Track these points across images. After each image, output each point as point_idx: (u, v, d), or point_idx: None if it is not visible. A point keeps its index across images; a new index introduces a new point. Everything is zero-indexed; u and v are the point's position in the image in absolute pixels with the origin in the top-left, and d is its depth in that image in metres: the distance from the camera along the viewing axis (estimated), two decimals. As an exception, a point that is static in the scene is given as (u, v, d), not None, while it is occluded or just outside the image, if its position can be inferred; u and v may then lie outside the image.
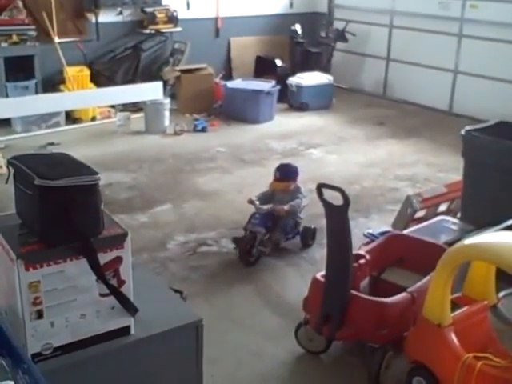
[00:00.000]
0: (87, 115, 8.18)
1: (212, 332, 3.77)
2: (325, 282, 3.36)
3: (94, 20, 8.74)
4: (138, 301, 1.91)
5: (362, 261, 3.66)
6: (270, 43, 10.35)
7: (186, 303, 2.11)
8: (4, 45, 7.70)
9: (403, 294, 3.30)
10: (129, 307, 1.83)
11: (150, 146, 7.50)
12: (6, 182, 1.84)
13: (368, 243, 4.23)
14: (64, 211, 1.68)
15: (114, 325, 1.85)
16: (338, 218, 3.19)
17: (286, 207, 4.67)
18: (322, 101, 9.29)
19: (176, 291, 3.91)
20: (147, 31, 9.14)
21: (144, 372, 1.92)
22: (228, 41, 10.18)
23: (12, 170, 1.78)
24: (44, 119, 7.76)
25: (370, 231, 4.60)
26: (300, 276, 4.48)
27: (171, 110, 8.31)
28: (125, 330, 1.88)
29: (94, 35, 8.77)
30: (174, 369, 1.98)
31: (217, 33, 10.04)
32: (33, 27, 7.92)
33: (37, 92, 8.00)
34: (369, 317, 3.27)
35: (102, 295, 1.79)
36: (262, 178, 6.47)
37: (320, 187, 3.22)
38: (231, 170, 6.75)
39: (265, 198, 4.83)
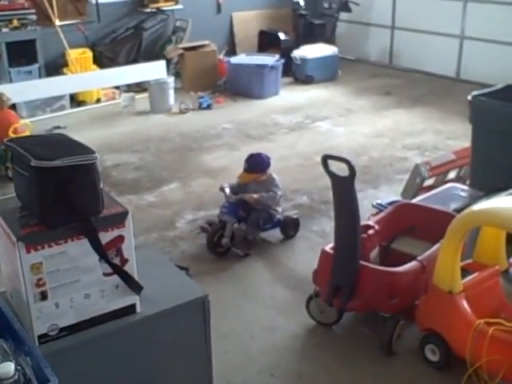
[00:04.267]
0: (92, 97, 8.16)
1: (224, 308, 3.82)
2: (334, 253, 3.34)
3: (94, 1, 8.68)
4: (144, 279, 1.91)
5: (370, 231, 3.65)
6: (273, 17, 10.23)
7: (192, 280, 2.09)
8: (5, 30, 7.67)
9: (413, 263, 3.28)
10: (133, 285, 1.82)
11: (156, 125, 7.47)
12: (5, 166, 1.83)
13: (377, 214, 4.20)
14: (62, 192, 1.67)
15: (119, 304, 1.85)
16: (344, 189, 3.16)
17: (255, 195, 4.42)
18: (327, 73, 9.21)
19: (182, 268, 3.94)
20: (148, 10, 9.07)
21: (152, 349, 1.92)
22: (230, 16, 10.07)
23: (9, 153, 1.77)
24: (49, 103, 7.75)
25: (379, 201, 4.56)
26: (310, 249, 4.47)
27: (176, 89, 8.27)
28: (131, 309, 1.88)
29: (95, 16, 8.71)
30: (183, 345, 1.98)
31: (218, 8, 9.94)
32: (33, 11, 7.88)
33: (40, 76, 7.98)
34: (379, 287, 3.25)
35: (105, 274, 1.79)
36: (270, 153, 6.39)
37: (325, 159, 3.18)
38: (238, 146, 6.72)
39: (239, 187, 4.58)
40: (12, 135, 5.51)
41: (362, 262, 3.28)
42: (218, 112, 7.93)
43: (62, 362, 1.75)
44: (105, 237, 1.75)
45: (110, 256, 1.76)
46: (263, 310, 3.82)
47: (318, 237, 4.65)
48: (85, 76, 8.01)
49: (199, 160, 6.34)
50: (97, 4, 8.68)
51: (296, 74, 9.24)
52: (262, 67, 8.36)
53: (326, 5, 10.15)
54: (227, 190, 4.51)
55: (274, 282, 4.15)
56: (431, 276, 3.08)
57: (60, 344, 1.76)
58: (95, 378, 1.85)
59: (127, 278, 1.80)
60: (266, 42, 9.89)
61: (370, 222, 3.76)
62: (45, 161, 1.64)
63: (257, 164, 4.57)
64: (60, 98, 7.85)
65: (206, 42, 8.94)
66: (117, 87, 8.43)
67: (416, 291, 3.24)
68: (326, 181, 3.32)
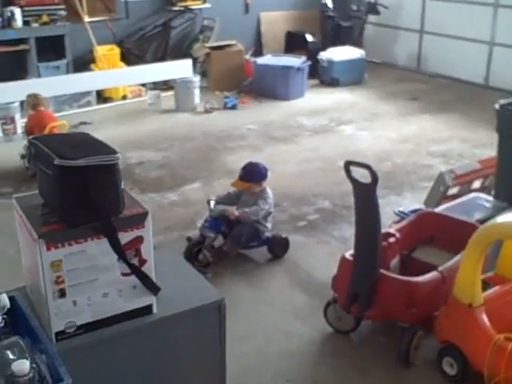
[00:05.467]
0: (118, 94, 8.22)
1: (241, 311, 3.83)
2: (353, 260, 3.32)
3: (123, -2, 8.75)
4: (162, 280, 1.92)
5: (391, 239, 3.62)
6: (301, 18, 10.20)
7: (209, 282, 2.09)
8: (35, 25, 7.75)
9: (433, 273, 3.25)
10: (150, 286, 1.83)
11: (181, 124, 7.50)
12: (28, 162, 1.85)
13: (399, 221, 4.17)
14: (84, 191, 1.68)
15: (136, 304, 1.86)
16: (366, 195, 3.14)
17: (236, 212, 4.22)
18: (353, 76, 9.16)
19: (200, 270, 3.93)
20: (176, 8, 9.10)
21: (167, 350, 1.93)
22: (258, 16, 10.06)
23: (33, 151, 1.79)
24: (75, 99, 7.82)
25: (401, 209, 4.53)
26: (330, 254, 4.44)
27: (201, 88, 8.29)
28: (147, 309, 1.89)
29: (124, 13, 8.77)
30: (198, 347, 1.98)
31: (246, 8, 9.93)
32: (62, 7, 7.95)
33: (68, 72, 8.06)
34: (398, 296, 3.22)
35: (123, 274, 1.80)
36: (293, 155, 6.46)
37: (348, 165, 3.16)
38: (262, 147, 6.72)
39: (230, 198, 4.40)
40: (49, 134, 5.62)
41: (381, 271, 3.25)
42: (242, 112, 7.93)
43: (79, 360, 1.78)
44: (124, 237, 1.77)
45: (128, 256, 1.77)
46: (281, 315, 3.82)
47: (339, 242, 4.62)
48: (112, 72, 8.07)
49: (222, 160, 6.35)
50: (126, 1, 8.73)
51: (322, 76, 9.20)
52: (287, 68, 8.34)
53: (354, 7, 10.09)
54: (212, 203, 4.30)
55: (293, 286, 4.14)
56: (452, 287, 3.05)
57: (77, 341, 1.79)
58: (110, 377, 1.87)
59: (145, 279, 1.81)
60: (293, 43, 9.86)
61: (391, 230, 3.73)
62: (68, 160, 1.66)
63: (252, 173, 4.34)
64: (87, 93, 7.92)
65: (233, 42, 8.95)
66: (143, 84, 8.48)
67: (435, 302, 3.21)
68: (349, 186, 3.30)
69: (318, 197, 5.43)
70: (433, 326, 3.20)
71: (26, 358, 1.46)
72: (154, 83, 8.49)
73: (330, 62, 9.05)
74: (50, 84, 7.53)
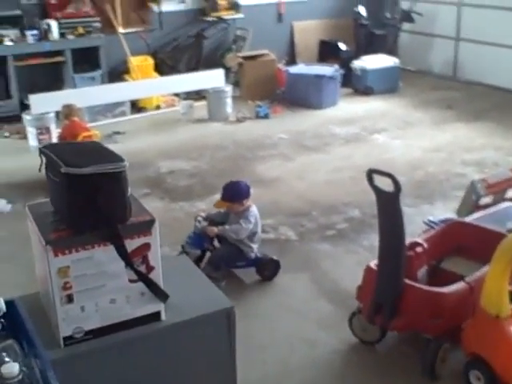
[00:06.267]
0: (151, 104, 8.30)
1: (266, 319, 3.81)
2: (377, 270, 3.27)
3: (156, 9, 8.84)
4: (172, 287, 1.92)
5: (418, 249, 3.54)
6: (334, 26, 10.16)
7: (220, 290, 2.08)
8: (71, 37, 7.91)
9: (460, 284, 3.18)
10: (158, 293, 1.84)
11: (213, 133, 7.53)
12: (39, 171, 1.88)
13: (428, 231, 4.09)
14: (90, 198, 1.70)
15: (144, 310, 1.86)
16: (389, 205, 3.09)
17: (215, 229, 4.06)
18: (387, 84, 9.07)
19: (212, 278, 3.89)
20: (209, 19, 9.16)
21: (175, 358, 1.93)
22: (291, 25, 10.07)
23: (44, 159, 1.81)
24: (109, 109, 7.93)
25: (431, 218, 4.46)
26: (358, 263, 4.34)
27: (234, 97, 8.32)
28: (156, 316, 1.90)
29: (157, 24, 8.87)
30: (207, 355, 1.97)
31: (279, 18, 9.95)
32: (97, 19, 8.10)
33: (103, 82, 8.19)
34: (423, 307, 3.16)
35: (131, 281, 1.81)
36: (324, 164, 6.42)
37: (370, 173, 3.12)
38: (293, 156, 6.70)
39: (220, 216, 4.25)
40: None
41: (405, 280, 3.19)
42: (274, 121, 7.93)
43: (87, 365, 1.80)
44: (131, 244, 1.78)
45: (135, 263, 1.78)
46: (305, 324, 3.78)
47: (367, 252, 4.55)
48: (145, 83, 8.16)
49: (252, 169, 6.35)
50: (160, 12, 8.84)
51: (356, 84, 9.14)
52: (320, 77, 8.31)
53: (388, 15, 10.00)
54: (199, 219, 4.18)
55: (319, 295, 4.09)
56: (479, 298, 2.97)
57: (85, 347, 1.80)
58: (118, 383, 1.87)
59: (152, 286, 1.82)
60: (326, 52, 9.82)
61: (419, 240, 3.66)
62: (75, 168, 1.67)
63: (232, 193, 4.17)
64: (121, 104, 8.02)
65: (266, 52, 8.96)
66: (176, 94, 8.56)
67: (462, 313, 3.13)
68: (372, 195, 3.26)
69: (347, 206, 5.38)
70: (459, 337, 3.12)
71: (18, 362, 1.47)
72: (188, 93, 8.56)
73: (364, 71, 8.98)
74: (85, 94, 7.65)
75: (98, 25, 8.05)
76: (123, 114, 8.05)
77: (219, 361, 2.00)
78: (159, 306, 1.88)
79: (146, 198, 5.65)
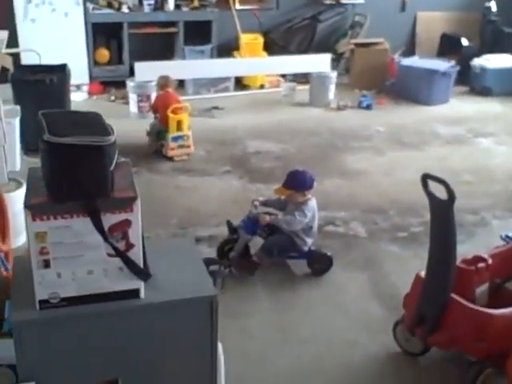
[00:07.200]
0: (255, 83, 8.31)
1: (311, 313, 3.71)
2: (424, 280, 3.07)
3: (275, -11, 8.81)
4: (164, 268, 1.91)
5: (481, 264, 3.28)
6: (459, 20, 9.61)
7: (210, 277, 2.01)
8: (185, 9, 8.06)
9: (513, 308, 2.90)
10: (136, 271, 1.81)
11: (309, 118, 7.41)
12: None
13: (499, 246, 3.78)
14: (69, 169, 1.70)
15: (122, 286, 1.85)
16: (441, 213, 2.88)
17: (267, 218, 3.98)
18: (508, 86, 8.45)
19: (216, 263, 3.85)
20: (327, 2, 8.99)
21: (151, 337, 1.90)
22: (414, 15, 9.65)
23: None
24: (214, 83, 8.03)
25: (509, 234, 4.12)
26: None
27: (340, 85, 8.15)
28: (134, 293, 1.87)
29: (274, 4, 8.82)
30: (185, 342, 1.93)
31: (403, 6, 9.56)
32: (214, -7, 8.19)
33: (211, 57, 8.30)
34: (467, 326, 2.92)
35: (109, 255, 1.80)
36: (415, 163, 6.11)
37: (425, 178, 2.92)
38: (385, 150, 6.45)
39: (279, 203, 4.15)
40: (170, 114, 5.83)
41: (452, 295, 2.97)
42: (376, 113, 7.66)
43: (61, 330, 1.81)
44: (111, 218, 1.76)
45: (115, 238, 1.76)
46: (350, 323, 3.63)
47: (435, 259, 4.29)
48: (253, 61, 8.17)
49: (340, 159, 6.18)
50: (278, -8, 8.80)
51: (473, 83, 8.63)
52: (432, 72, 7.91)
53: (520, 12, 9.33)
54: (256, 203, 4.08)
55: (373, 297, 3.92)
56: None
57: (60, 312, 1.81)
58: (89, 353, 1.87)
59: (129, 262, 1.79)
60: (447, 46, 9.34)
61: (484, 254, 3.39)
62: (56, 136, 1.68)
63: (295, 180, 4.02)
64: (226, 79, 8.10)
65: (380, 40, 8.66)
66: (283, 76, 8.50)
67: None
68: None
69: (427, 209, 5.03)
70: (505, 364, 2.86)
71: None
72: (295, 75, 8.47)
73: (483, 69, 8.45)
74: (193, 67, 7.82)
75: (213, -1, 8.15)
76: (226, 89, 8.12)
77: (197, 348, 1.94)
78: (138, 284, 1.86)
79: (224, 176, 5.69)
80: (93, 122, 1.82)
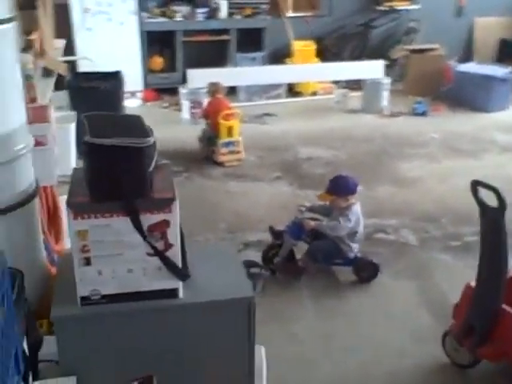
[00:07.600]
0: (308, 89, 8.29)
1: (359, 321, 3.65)
2: (474, 290, 2.97)
3: (328, -4, 8.78)
4: (204, 269, 1.92)
5: (533, 275, 3.16)
6: (518, 25, 9.37)
7: (248, 280, 2.00)
8: (238, 17, 8.12)
9: None
10: (174, 270, 1.82)
11: (362, 125, 7.34)
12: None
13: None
14: (109, 169, 1.74)
15: (160, 285, 1.86)
16: (492, 221, 2.78)
17: (312, 223, 3.95)
18: None
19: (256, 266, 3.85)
20: (381, 8, 8.89)
21: (188, 337, 1.91)
22: (471, 21, 9.45)
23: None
24: (266, 90, 8.06)
25: None
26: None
27: (394, 91, 8.05)
28: (172, 292, 1.88)
29: (327, 11, 8.79)
30: (222, 342, 1.92)
31: (459, 12, 9.37)
32: (266, 1, 8.21)
33: (263, 64, 8.32)
34: (519, 338, 2.82)
35: (148, 254, 1.82)
36: (471, 171, 5.94)
37: (475, 185, 2.84)
38: (440, 158, 6.32)
39: (324, 209, 4.11)
40: (221, 121, 5.89)
41: (503, 306, 2.87)
42: (431, 120, 7.52)
43: (100, 327, 1.85)
44: (150, 219, 1.79)
45: (154, 238, 1.79)
46: (399, 332, 3.54)
47: (489, 269, 4.16)
48: (305, 67, 8.16)
49: (393, 166, 6.09)
50: (331, -1, 8.77)
51: (533, 90, 8.36)
52: (490, 78, 7.72)
53: None
54: (302, 209, 4.08)
55: (422, 306, 3.82)
56: None
57: (100, 309, 1.85)
58: (127, 349, 1.90)
59: (167, 262, 1.80)
60: (506, 51, 9.11)
61: (537, 264, 3.26)
62: (96, 138, 1.72)
63: (338, 186, 3.99)
64: (278, 86, 8.12)
65: (435, 46, 8.51)
66: (336, 82, 8.45)
67: None
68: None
69: (481, 218, 4.94)
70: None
71: None
72: (347, 82, 8.41)
73: (544, 76, 8.18)
74: (245, 74, 7.86)
75: (265, 7, 8.16)
76: (278, 96, 8.13)
77: (234, 349, 1.93)
78: (176, 284, 1.87)
79: (274, 182, 5.68)
80: (133, 125, 1.85)
